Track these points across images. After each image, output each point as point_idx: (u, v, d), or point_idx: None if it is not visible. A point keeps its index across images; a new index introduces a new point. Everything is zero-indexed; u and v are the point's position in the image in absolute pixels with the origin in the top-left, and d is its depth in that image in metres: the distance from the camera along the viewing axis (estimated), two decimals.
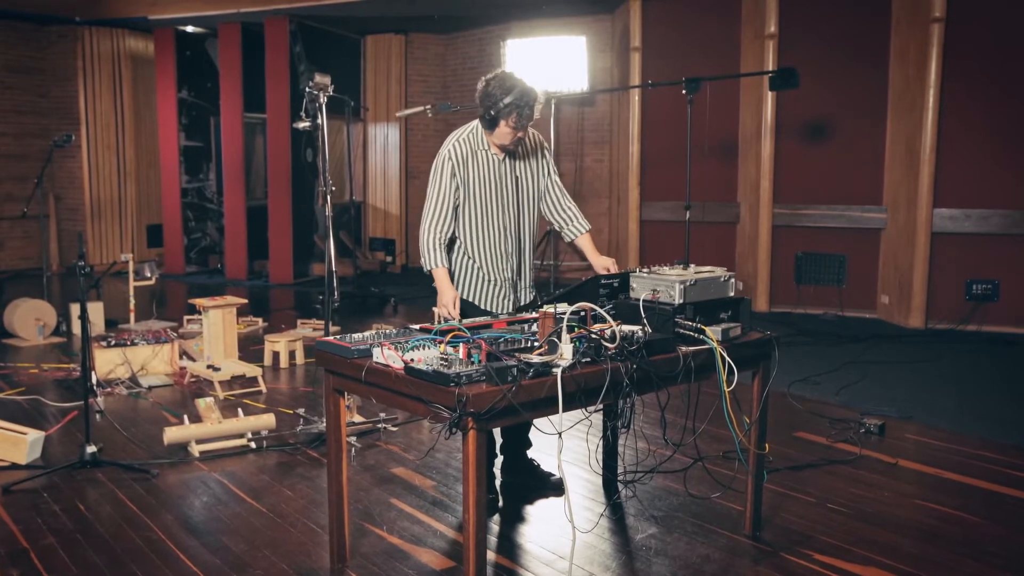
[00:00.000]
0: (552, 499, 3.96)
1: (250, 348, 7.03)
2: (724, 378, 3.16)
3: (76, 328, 7.60)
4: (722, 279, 3.39)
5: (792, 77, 6.80)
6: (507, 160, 3.78)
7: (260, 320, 8.10)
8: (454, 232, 3.78)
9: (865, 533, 3.59)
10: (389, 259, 12.01)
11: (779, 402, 5.32)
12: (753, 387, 3.49)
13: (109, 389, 5.73)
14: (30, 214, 8.67)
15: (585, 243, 3.97)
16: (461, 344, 2.79)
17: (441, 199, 3.72)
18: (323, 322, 7.74)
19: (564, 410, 2.77)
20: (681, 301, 3.22)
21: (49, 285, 8.40)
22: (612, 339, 2.93)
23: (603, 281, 3.47)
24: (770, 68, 8.10)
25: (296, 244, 10.90)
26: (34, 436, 4.44)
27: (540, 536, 3.57)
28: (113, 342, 6.09)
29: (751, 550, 3.44)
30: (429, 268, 3.73)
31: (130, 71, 12.00)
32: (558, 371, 2.75)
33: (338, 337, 3.13)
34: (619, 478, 4.04)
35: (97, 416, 4.95)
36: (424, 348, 2.92)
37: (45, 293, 7.95)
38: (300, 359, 6.59)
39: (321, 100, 4.83)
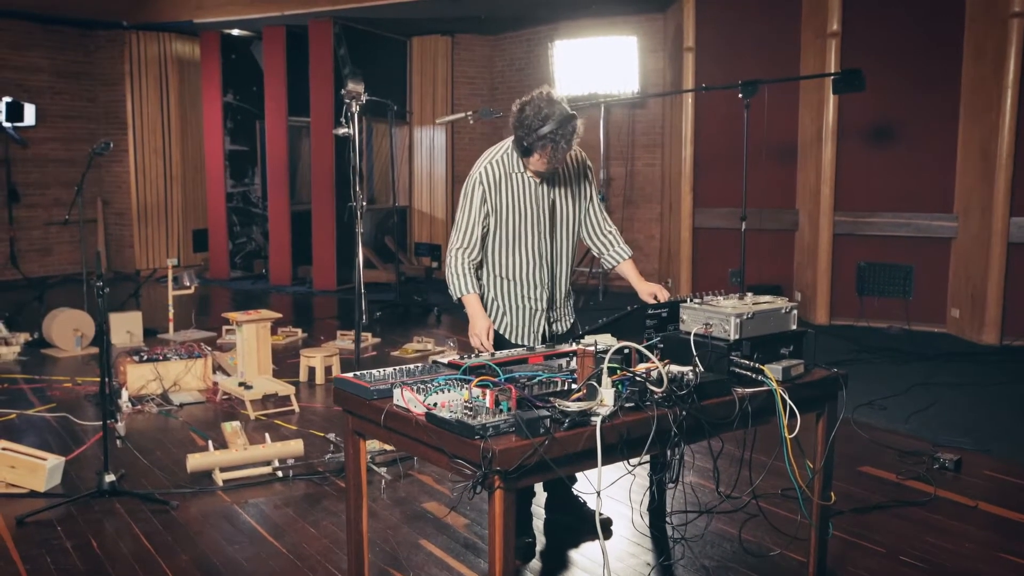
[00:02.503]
0: (599, 543, 3.65)
1: (287, 361, 6.83)
2: (785, 423, 2.82)
3: (115, 338, 7.48)
4: (783, 311, 3.05)
5: (857, 79, 6.38)
6: (544, 183, 3.46)
7: (300, 331, 7.90)
8: (482, 258, 3.49)
9: None
10: (435, 264, 11.77)
11: (843, 430, 4.90)
12: (818, 430, 3.14)
13: (140, 407, 5.55)
14: (73, 220, 8.59)
15: (628, 270, 3.65)
16: (488, 390, 2.49)
17: (469, 225, 3.42)
18: (364, 335, 7.53)
19: (604, 463, 2.46)
20: (737, 337, 2.88)
21: (91, 293, 8.27)
22: (659, 382, 2.61)
23: (650, 311, 3.15)
24: (833, 69, 7.67)
25: (340, 250, 10.70)
26: (53, 463, 4.25)
27: None
28: (145, 357, 5.92)
29: None
30: (459, 296, 3.44)
31: (176, 75, 11.95)
32: (597, 421, 2.44)
33: (357, 375, 2.86)
34: (668, 521, 3.71)
35: (118, 442, 4.76)
36: (450, 390, 2.63)
37: (86, 302, 7.84)
38: (336, 374, 6.35)
39: (353, 109, 4.57)
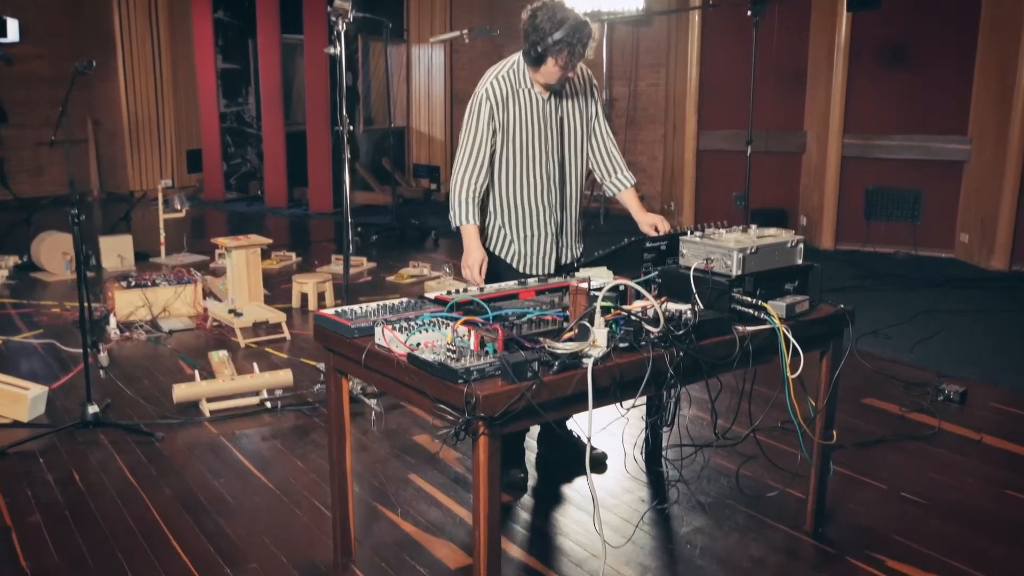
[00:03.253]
0: (592, 477, 3.56)
1: (281, 287, 6.70)
2: (787, 363, 2.69)
3: (106, 262, 7.35)
4: (789, 244, 2.89)
5: None
6: (552, 99, 3.27)
7: (294, 255, 7.74)
8: (488, 183, 3.31)
9: (946, 533, 3.13)
10: (433, 186, 11.56)
11: (846, 361, 4.80)
12: (821, 368, 3.01)
13: (128, 333, 5.44)
14: (60, 141, 8.34)
15: (629, 198, 3.48)
16: (473, 330, 2.35)
17: (477, 146, 3.23)
18: (359, 259, 7.40)
19: (596, 406, 2.33)
20: (739, 272, 2.73)
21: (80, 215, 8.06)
22: (655, 321, 2.47)
23: (648, 244, 2.99)
24: None
25: (336, 172, 10.48)
26: (36, 392, 4.15)
27: (572, 528, 3.17)
28: (134, 283, 5.78)
29: (812, 552, 3.01)
30: (457, 224, 3.28)
31: None
32: (588, 363, 2.31)
33: (338, 312, 2.72)
34: (663, 456, 3.62)
35: (101, 373, 4.65)
36: (434, 329, 2.49)
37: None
38: (330, 301, 6.23)
39: (340, 27, 4.34)
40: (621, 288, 2.70)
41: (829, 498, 3.23)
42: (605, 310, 2.46)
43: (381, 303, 2.80)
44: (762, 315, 2.67)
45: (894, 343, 5.28)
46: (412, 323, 2.52)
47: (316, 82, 10.23)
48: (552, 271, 3.42)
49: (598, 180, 3.54)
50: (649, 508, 3.29)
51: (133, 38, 11.30)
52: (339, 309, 2.74)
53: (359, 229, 8.87)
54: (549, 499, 3.40)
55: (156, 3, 11.44)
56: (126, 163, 11.51)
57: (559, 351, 2.30)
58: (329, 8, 4.38)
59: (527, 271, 3.39)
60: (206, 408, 4.18)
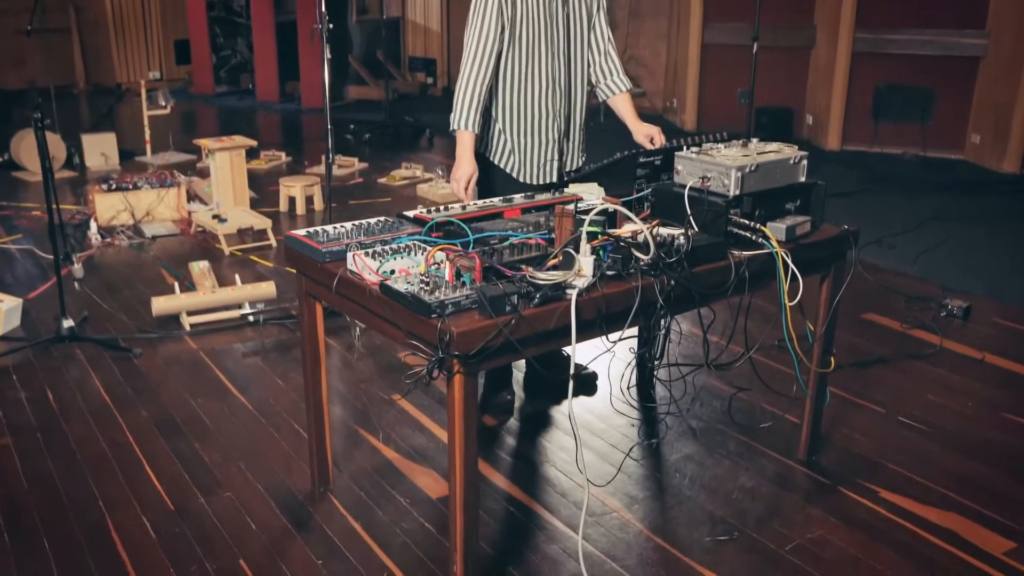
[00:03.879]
0: (582, 399, 3.46)
1: (269, 188, 6.50)
2: (785, 289, 2.54)
3: (89, 161, 7.13)
4: (791, 161, 2.69)
5: None
6: None
7: (283, 155, 7.50)
8: (496, 99, 3.09)
9: (943, 462, 3.04)
10: (430, 80, 11.20)
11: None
12: (821, 293, 2.86)
13: (110, 239, 5.28)
14: (37, 30, 7.97)
15: (623, 105, 3.25)
16: (448, 259, 2.19)
17: (484, 44, 2.98)
18: (350, 160, 7.18)
19: (580, 340, 2.20)
20: (737, 192, 2.55)
21: (60, 110, 7.78)
22: (645, 247, 2.31)
23: (642, 159, 2.80)
24: None
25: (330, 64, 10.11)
26: (9, 305, 4.02)
27: (558, 456, 3.08)
28: (115, 186, 5.59)
29: (804, 482, 2.92)
30: (454, 128, 3.06)
31: None
32: (573, 295, 2.16)
33: (309, 232, 2.55)
34: (654, 383, 3.50)
35: (76, 285, 4.51)
36: (411, 255, 2.33)
37: (56, 121, 7.41)
38: (318, 205, 6.05)
39: None
40: (611, 210, 2.53)
41: (824, 422, 3.13)
42: (592, 235, 2.30)
43: (356, 223, 2.63)
44: (760, 239, 2.51)
45: (897, 253, 5.12)
46: (387, 247, 2.37)
47: None
48: (554, 180, 3.23)
49: (592, 82, 3.32)
50: (636, 443, 3.18)
51: None
52: (310, 230, 2.58)
53: (352, 127, 8.61)
54: (536, 423, 3.30)
55: None
56: (111, 53, 11.11)
57: (541, 281, 2.15)
58: None
59: (526, 181, 3.21)
60: (186, 321, 4.05)
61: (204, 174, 6.80)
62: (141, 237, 5.36)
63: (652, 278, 2.29)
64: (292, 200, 5.98)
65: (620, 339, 2.29)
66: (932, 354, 3.84)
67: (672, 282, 2.31)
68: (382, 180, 6.82)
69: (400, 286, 2.14)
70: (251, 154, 7.15)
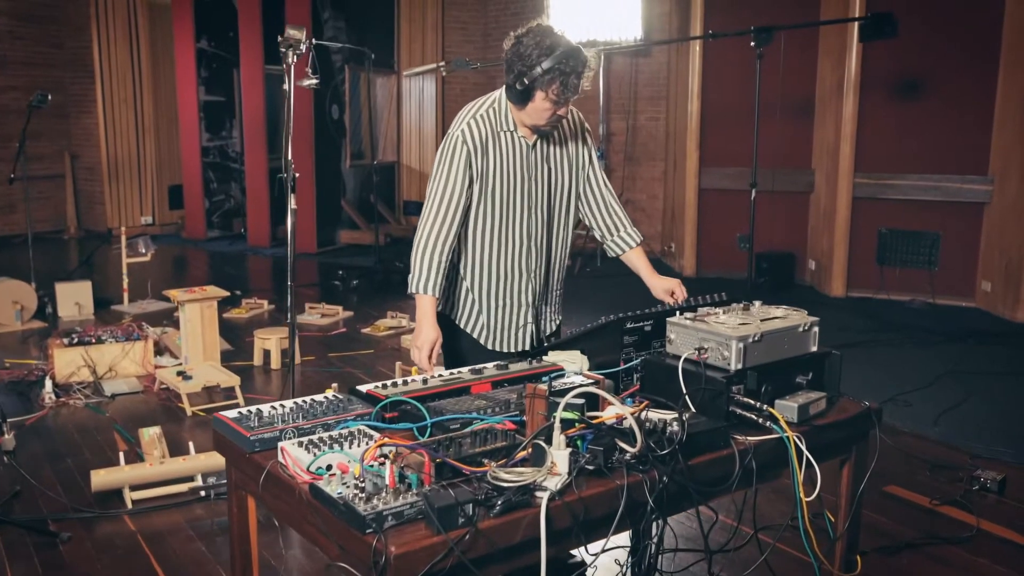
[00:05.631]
0: None
1: (247, 339, 6.15)
2: (800, 481, 2.14)
3: (62, 311, 6.83)
4: (801, 328, 2.35)
5: (888, 24, 5.58)
6: (539, 145, 2.74)
7: (265, 303, 7.21)
8: (464, 256, 2.80)
9: None
10: None
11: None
12: (842, 479, 2.46)
13: (65, 398, 4.91)
14: (19, 177, 7.82)
15: (637, 259, 2.94)
16: (388, 458, 1.81)
17: (449, 198, 2.67)
18: (335, 308, 6.88)
19: (552, 554, 1.79)
20: (739, 366, 2.19)
21: (35, 258, 7.50)
22: (631, 437, 1.93)
23: (629, 325, 2.45)
24: (858, 14, 6.84)
25: (321, 210, 10.02)
26: None
27: None
28: (76, 340, 5.25)
29: None
30: (412, 291, 2.74)
31: (146, 18, 11.06)
32: (543, 498, 1.77)
33: (238, 416, 2.17)
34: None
35: (4, 459, 4.08)
36: (355, 443, 1.96)
37: (32, 268, 7.15)
38: (297, 358, 5.68)
39: (290, 59, 3.84)
40: (593, 389, 2.16)
41: None
42: (567, 423, 1.92)
43: (298, 402, 2.26)
44: (768, 423, 2.13)
45: (915, 412, 4.72)
46: (327, 435, 1.99)
47: (300, 116, 9.76)
48: (528, 347, 2.89)
49: (598, 239, 3.01)
50: None
51: (113, 69, 10.83)
52: (242, 411, 2.20)
53: (340, 272, 8.37)
54: None
55: (137, 33, 10.99)
56: (104, 199, 11.03)
57: (504, 483, 1.76)
58: (280, 38, 3.89)
59: (496, 348, 2.86)
60: (128, 497, 3.63)
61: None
62: (100, 396, 4.98)
63: (640, 474, 1.91)
64: (267, 353, 5.63)
65: (603, 551, 1.89)
66: (969, 538, 3.39)
67: (665, 479, 1.93)
68: (366, 330, 6.50)
69: (333, 489, 1.76)
70: (232, 302, 6.87)
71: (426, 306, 2.71)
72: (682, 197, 8.41)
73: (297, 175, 3.69)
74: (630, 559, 2.95)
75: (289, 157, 3.67)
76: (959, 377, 5.32)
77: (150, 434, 3.92)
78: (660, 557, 2.08)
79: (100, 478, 3.63)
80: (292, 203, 3.60)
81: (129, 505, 3.61)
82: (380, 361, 5.75)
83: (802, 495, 2.13)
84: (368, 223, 10.30)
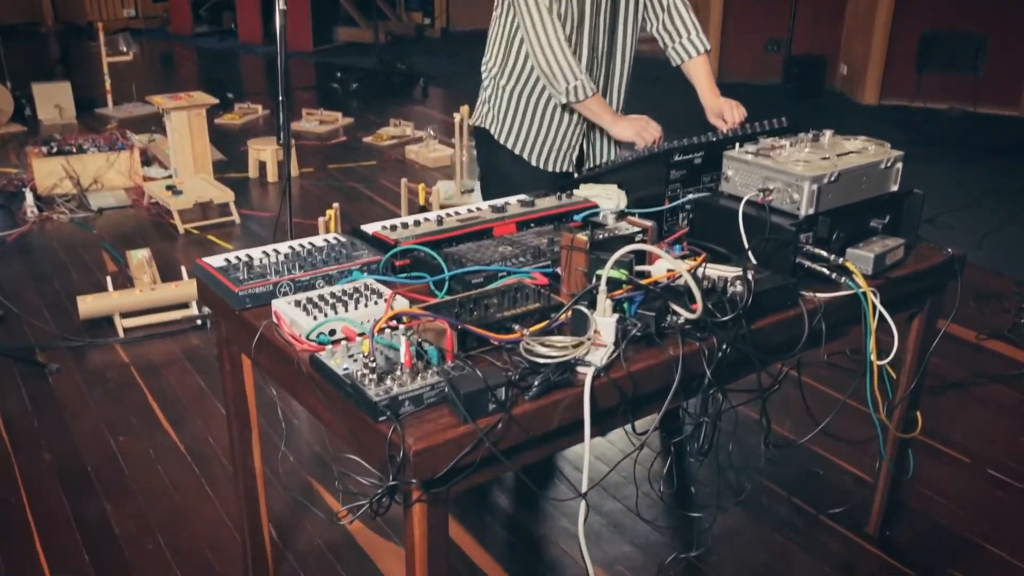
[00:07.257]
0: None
1: (240, 148, 5.77)
2: (873, 343, 1.87)
3: (42, 114, 6.41)
4: (883, 165, 2.00)
5: None
6: None
7: (259, 108, 6.75)
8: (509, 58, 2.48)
9: None
10: (427, 21, 10.35)
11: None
12: (910, 335, 2.19)
13: (48, 212, 4.60)
14: None
15: (699, 71, 2.57)
16: (402, 333, 1.51)
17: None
18: (334, 115, 6.46)
19: (595, 435, 1.54)
20: (811, 211, 1.86)
21: (9, 58, 6.98)
22: (687, 299, 1.63)
23: (676, 158, 2.09)
24: None
25: (316, 2, 9.29)
26: None
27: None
28: (56, 148, 4.88)
29: (875, 569, 2.28)
30: (579, 98, 2.37)
31: None
32: (587, 376, 1.49)
33: (224, 265, 1.87)
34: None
35: None
36: (361, 303, 1.66)
37: (3, 64, 6.64)
38: (294, 170, 5.34)
39: None
40: (640, 237, 1.84)
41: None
42: (614, 284, 1.62)
43: (293, 246, 1.94)
44: (843, 279, 1.83)
45: (957, 235, 4.42)
46: (328, 292, 1.70)
47: None
48: (571, 169, 2.57)
49: (660, 46, 2.61)
50: (673, 557, 2.46)
51: None
52: (228, 257, 1.90)
53: (338, 75, 7.83)
54: (533, 544, 2.65)
55: None
56: None
57: (540, 358, 1.47)
58: None
59: (544, 168, 2.55)
60: (120, 325, 3.39)
61: None
62: (86, 210, 4.66)
63: (697, 341, 1.62)
64: (263, 165, 5.27)
65: (653, 430, 1.63)
66: (1016, 377, 3.17)
67: (727, 347, 1.64)
68: (367, 139, 6.09)
69: (338, 363, 1.48)
70: (224, 107, 6.44)
71: (604, 103, 2.43)
72: None
73: None
74: (667, 437, 2.68)
75: None
76: (1002, 196, 4.98)
77: (139, 257, 3.63)
78: (716, 435, 1.84)
79: (88, 305, 3.38)
80: (281, 2, 3.13)
81: (121, 334, 3.38)
82: (384, 174, 5.39)
83: (874, 359, 1.87)
84: (367, 20, 9.61)
